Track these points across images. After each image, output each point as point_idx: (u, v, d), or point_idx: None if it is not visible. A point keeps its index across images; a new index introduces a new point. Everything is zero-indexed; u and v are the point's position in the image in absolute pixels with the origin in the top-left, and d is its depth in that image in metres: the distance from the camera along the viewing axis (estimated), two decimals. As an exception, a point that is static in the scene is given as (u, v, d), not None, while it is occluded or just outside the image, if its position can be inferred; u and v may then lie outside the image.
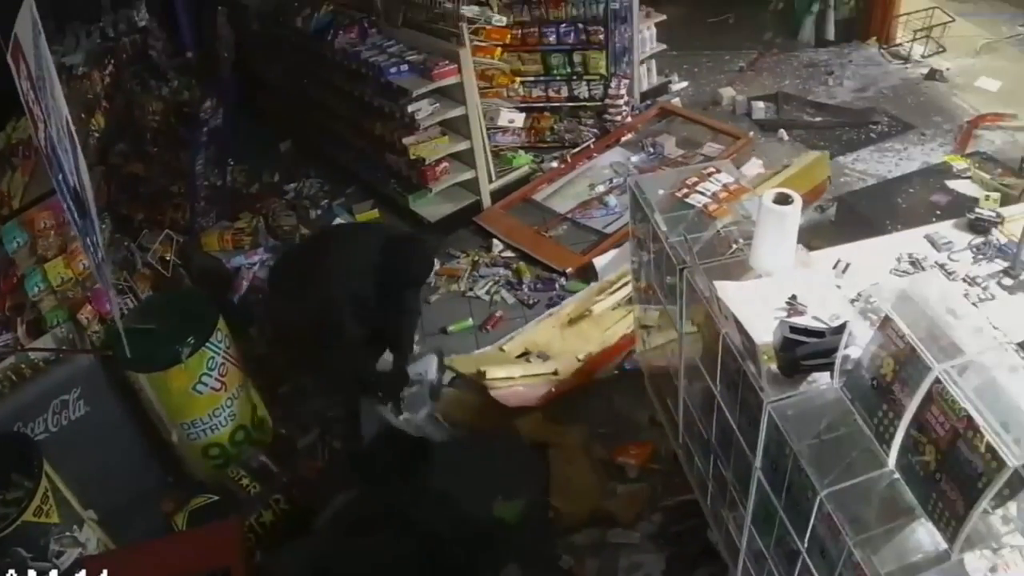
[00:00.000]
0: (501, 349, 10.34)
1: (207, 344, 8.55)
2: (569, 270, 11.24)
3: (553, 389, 9.56)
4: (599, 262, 11.30)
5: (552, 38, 13.74)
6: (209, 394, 8.70)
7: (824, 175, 12.07)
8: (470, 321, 10.91)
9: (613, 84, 13.91)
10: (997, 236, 6.51)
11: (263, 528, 8.38)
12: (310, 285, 8.58)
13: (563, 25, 13.63)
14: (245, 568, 6.94)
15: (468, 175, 12.67)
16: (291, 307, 8.87)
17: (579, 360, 9.83)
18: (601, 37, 13.58)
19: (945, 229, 6.71)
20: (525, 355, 10.14)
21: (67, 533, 7.49)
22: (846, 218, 10.31)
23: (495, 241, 12.03)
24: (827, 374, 4.92)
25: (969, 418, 3.87)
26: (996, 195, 7.20)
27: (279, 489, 8.56)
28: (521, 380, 9.62)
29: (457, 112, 12.12)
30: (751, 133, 13.49)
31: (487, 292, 11.25)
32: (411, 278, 9.07)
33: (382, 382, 9.13)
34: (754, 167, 12.74)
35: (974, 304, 5.80)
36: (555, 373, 9.70)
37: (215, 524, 7.87)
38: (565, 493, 8.59)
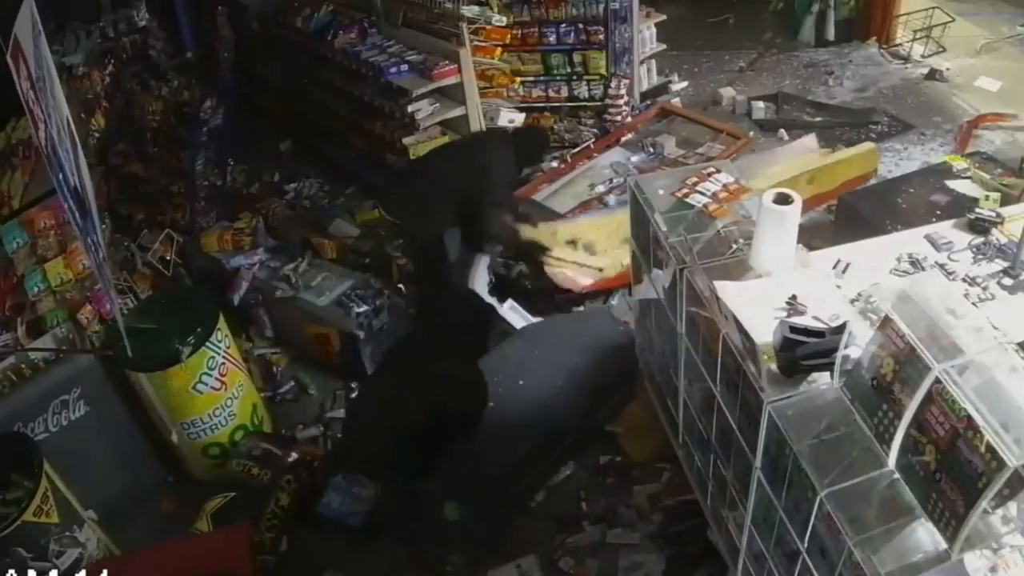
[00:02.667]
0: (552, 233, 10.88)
1: (207, 344, 8.56)
2: (570, 270, 11.13)
3: (593, 282, 10.70)
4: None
5: (552, 38, 13.72)
6: (209, 394, 8.71)
7: (872, 167, 12.14)
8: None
9: (613, 84, 13.89)
10: (997, 236, 6.50)
11: (283, 511, 8.44)
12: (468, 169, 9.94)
13: (563, 25, 13.61)
14: (252, 572, 6.98)
15: (468, 175, 12.43)
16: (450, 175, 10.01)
17: (623, 265, 10.20)
18: (601, 37, 13.56)
19: (945, 229, 6.70)
20: (572, 242, 10.92)
21: (67, 533, 7.50)
22: (846, 218, 10.29)
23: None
24: (827, 374, 4.93)
25: (969, 418, 3.87)
26: (996, 195, 7.19)
27: (288, 470, 8.60)
28: (571, 265, 10.65)
29: (457, 112, 12.06)
30: (751, 133, 13.45)
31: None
32: (538, 154, 11.61)
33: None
34: (812, 140, 12.77)
35: (974, 304, 5.79)
36: (601, 270, 10.66)
37: (223, 529, 7.91)
38: (632, 433, 8.93)
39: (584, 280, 10.70)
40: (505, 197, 10.38)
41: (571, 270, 10.64)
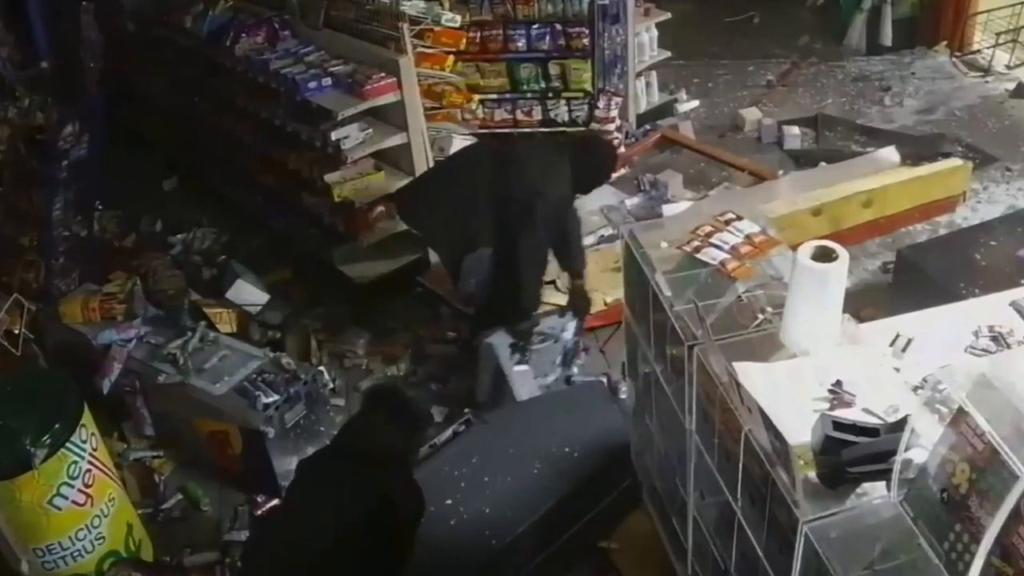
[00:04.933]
0: None
1: (68, 445, 8.44)
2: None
3: None
4: (668, 209, 12.35)
5: (521, 43, 13.74)
6: (70, 510, 8.61)
7: (961, 188, 12.43)
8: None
9: (601, 104, 13.91)
10: (1104, 303, 6.54)
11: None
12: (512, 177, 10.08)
13: (535, 26, 13.63)
14: None
15: (411, 223, 12.44)
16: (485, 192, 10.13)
17: (606, 304, 11.50)
18: (585, 42, 13.58)
19: (1037, 294, 6.73)
20: (553, 282, 11.53)
21: None
22: (907, 278, 10.34)
23: (445, 308, 11.92)
24: (882, 484, 4.93)
25: (1069, 542, 3.89)
26: (1103, 250, 7.25)
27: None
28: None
29: (396, 140, 11.97)
30: (780, 172, 13.46)
31: (433, 377, 11.18)
32: (601, 175, 10.96)
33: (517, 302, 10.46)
34: (891, 153, 13.02)
35: (1074, 392, 5.82)
36: None
37: None
38: (632, 551, 9.05)
39: None
40: (556, 225, 10.23)
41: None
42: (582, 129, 13.67)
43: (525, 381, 10.07)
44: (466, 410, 9.86)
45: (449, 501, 8.46)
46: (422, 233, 10.82)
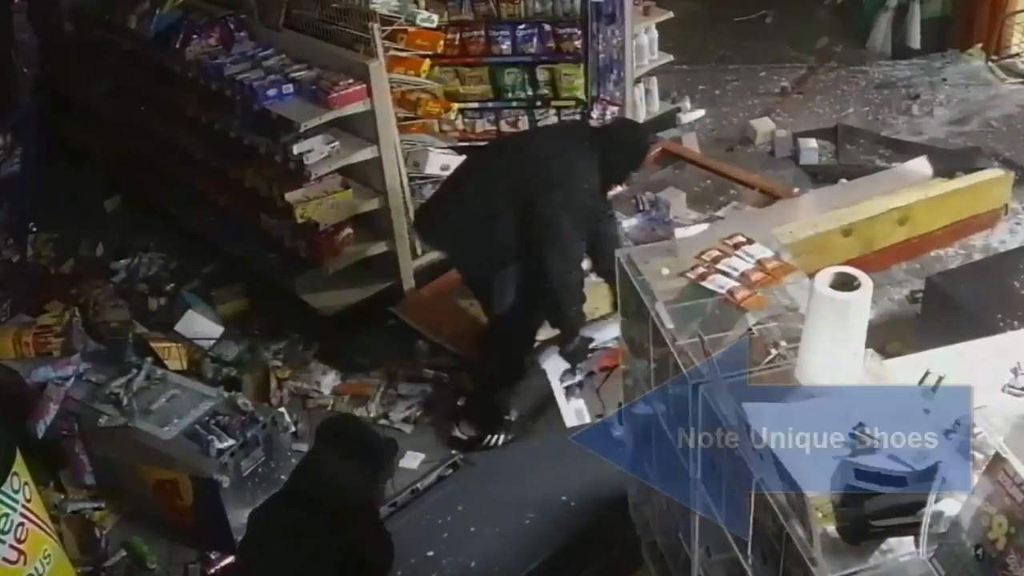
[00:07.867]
0: None
1: (-4, 496, 8.42)
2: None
3: None
4: (680, 233, 12.21)
5: (505, 45, 13.71)
6: (0, 568, 8.57)
7: (1002, 201, 12.38)
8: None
9: (595, 113, 13.86)
10: None
11: None
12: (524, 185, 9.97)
13: (521, 27, 13.59)
14: None
15: (382, 247, 12.42)
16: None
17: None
18: (577, 44, 13.54)
19: (1082, 327, 6.72)
20: None
21: None
22: (938, 309, 10.29)
23: (420, 343, 11.90)
24: (909, 540, 4.91)
25: (1117, 604, 3.87)
26: None
27: None
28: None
29: (365, 154, 11.91)
30: (795, 190, 13.43)
31: (408, 420, 11.11)
32: (635, 159, 10.77)
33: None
34: (922, 164, 12.97)
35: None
36: None
37: None
38: None
39: None
40: (588, 224, 10.11)
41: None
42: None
43: (580, 418, 10.03)
44: (453, 452, 9.86)
45: (431, 553, 8.45)
46: (444, 252, 11.03)
